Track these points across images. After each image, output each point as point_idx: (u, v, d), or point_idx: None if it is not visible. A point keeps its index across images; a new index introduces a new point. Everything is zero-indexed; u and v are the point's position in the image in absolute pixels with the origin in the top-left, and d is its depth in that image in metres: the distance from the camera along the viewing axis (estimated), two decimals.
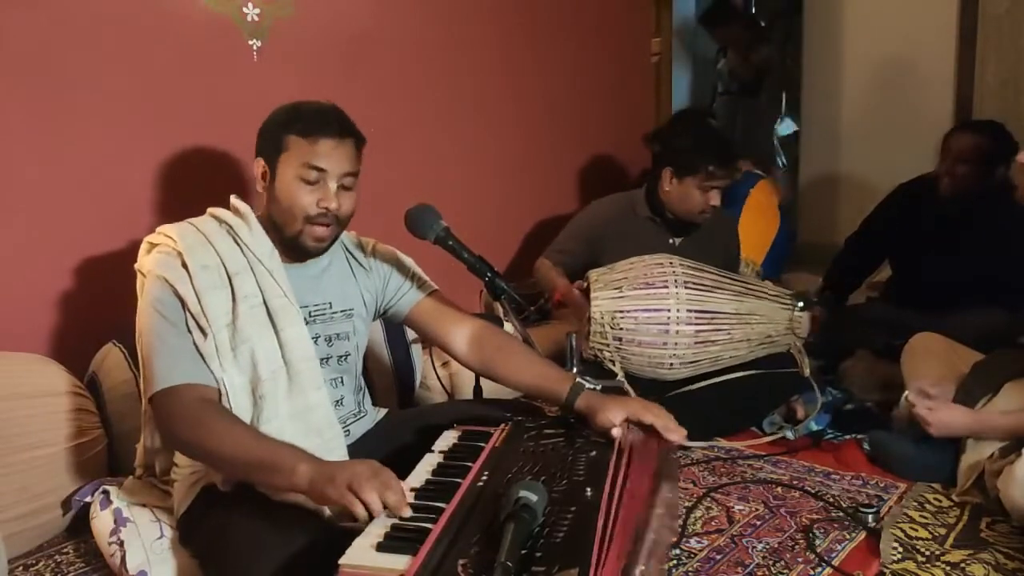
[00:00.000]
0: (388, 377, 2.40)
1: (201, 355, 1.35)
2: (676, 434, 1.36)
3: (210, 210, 1.52)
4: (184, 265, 1.38)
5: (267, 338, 1.40)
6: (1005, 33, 3.44)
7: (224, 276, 1.41)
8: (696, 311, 2.19)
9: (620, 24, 3.53)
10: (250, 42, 2.30)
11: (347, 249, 1.62)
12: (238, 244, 1.45)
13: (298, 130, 1.42)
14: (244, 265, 1.43)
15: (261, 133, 1.49)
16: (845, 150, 4.03)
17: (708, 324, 2.21)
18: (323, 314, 1.53)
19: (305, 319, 1.47)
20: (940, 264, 2.62)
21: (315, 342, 1.48)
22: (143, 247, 1.49)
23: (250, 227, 1.46)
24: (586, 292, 2.28)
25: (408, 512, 1.09)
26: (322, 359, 1.51)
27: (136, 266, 1.47)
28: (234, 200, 1.51)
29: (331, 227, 1.46)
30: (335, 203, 1.42)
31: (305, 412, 1.41)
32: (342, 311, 1.56)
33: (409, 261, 1.69)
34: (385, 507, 1.09)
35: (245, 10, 2.28)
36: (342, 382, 1.57)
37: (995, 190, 2.48)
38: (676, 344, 2.20)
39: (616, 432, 1.32)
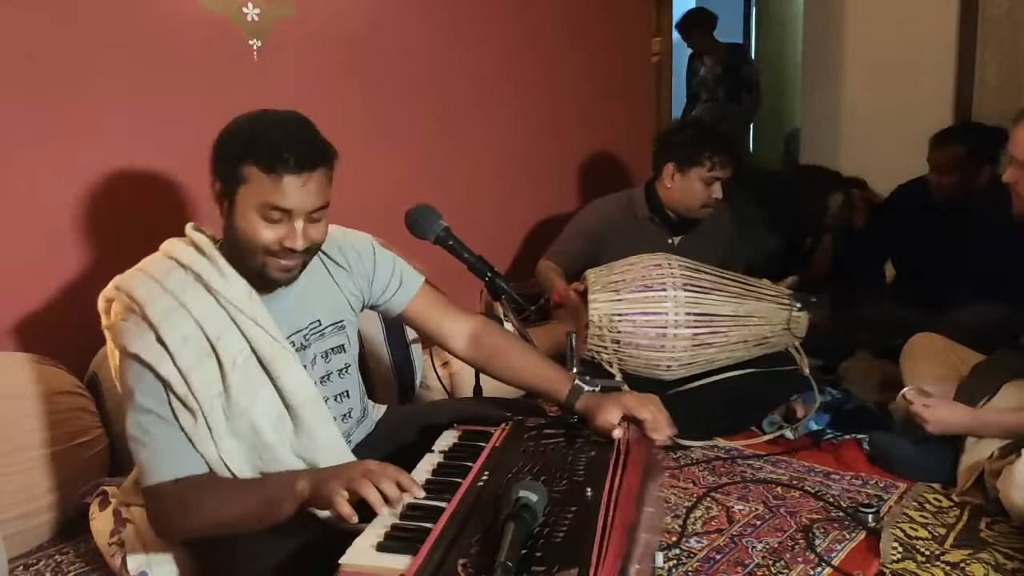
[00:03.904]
0: (388, 376, 2.39)
1: (189, 439, 1.25)
2: (660, 434, 1.36)
3: (168, 251, 1.34)
4: (160, 340, 1.24)
5: (265, 393, 1.31)
6: (1005, 33, 3.44)
7: (206, 344, 1.27)
8: (694, 314, 2.19)
9: (620, 24, 3.53)
10: (250, 42, 2.30)
11: (323, 252, 1.47)
12: (211, 293, 1.29)
13: (258, 162, 1.23)
14: (225, 322, 1.29)
15: (217, 150, 1.30)
16: (845, 150, 4.03)
17: (706, 327, 2.20)
18: (315, 332, 1.45)
19: (301, 343, 1.41)
20: (939, 263, 2.63)
21: (313, 361, 1.44)
22: (101, 301, 1.35)
23: (221, 271, 1.31)
24: (583, 294, 2.28)
25: (421, 493, 1.11)
26: (322, 377, 1.46)
27: (104, 325, 1.35)
28: (190, 232, 1.36)
29: (298, 258, 1.31)
30: (301, 241, 1.27)
31: (314, 454, 1.35)
32: (333, 324, 1.49)
33: (392, 255, 1.60)
34: (401, 490, 1.10)
35: (245, 10, 2.27)
36: (347, 395, 1.53)
37: (988, 188, 2.50)
38: (674, 347, 2.20)
39: (617, 433, 1.32)
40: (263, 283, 1.34)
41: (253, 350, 1.31)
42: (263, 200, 1.24)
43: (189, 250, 1.33)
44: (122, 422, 1.89)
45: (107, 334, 1.35)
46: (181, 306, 1.27)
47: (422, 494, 1.11)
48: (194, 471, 1.24)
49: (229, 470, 1.27)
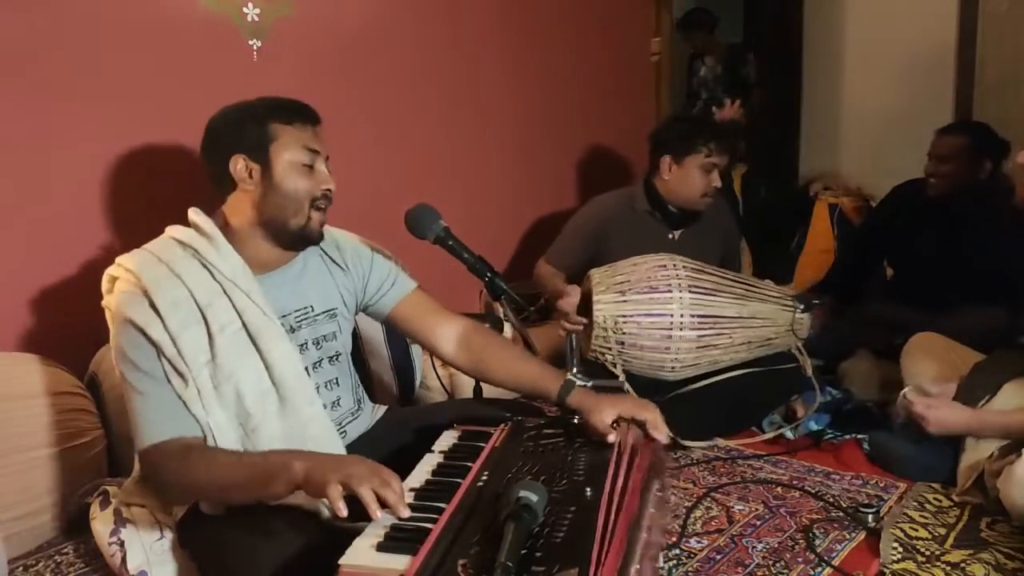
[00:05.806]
0: (388, 376, 2.40)
1: (183, 401, 1.29)
2: (660, 433, 1.36)
3: (170, 232, 1.42)
4: (152, 305, 1.30)
5: (251, 364, 1.34)
6: (1005, 33, 3.44)
7: (196, 310, 1.32)
8: (699, 316, 2.19)
9: (620, 24, 3.53)
10: (250, 42, 2.30)
11: (322, 249, 1.55)
12: (206, 268, 1.36)
13: (279, 119, 1.39)
14: (216, 291, 1.35)
15: (224, 132, 1.40)
16: (845, 150, 4.03)
17: (710, 329, 2.21)
18: (307, 317, 1.48)
19: (291, 326, 1.43)
20: (937, 263, 2.63)
21: (303, 347, 1.45)
22: (104, 281, 1.41)
23: (216, 247, 1.38)
24: (587, 298, 2.28)
25: (406, 513, 1.08)
26: (314, 363, 1.47)
27: (103, 303, 1.40)
28: (193, 215, 1.42)
29: (326, 211, 1.45)
30: (332, 182, 1.43)
31: (301, 429, 1.37)
32: (325, 312, 1.52)
33: (389, 257, 1.64)
34: (383, 506, 1.07)
35: (245, 10, 2.28)
36: (337, 383, 1.54)
37: (984, 187, 2.51)
38: (678, 349, 2.20)
39: (612, 437, 1.32)
40: (294, 243, 1.44)
41: (244, 323, 1.35)
42: (301, 144, 1.39)
43: (188, 230, 1.41)
44: (122, 422, 1.93)
45: (107, 312, 1.39)
46: (174, 275, 1.34)
47: (407, 514, 1.08)
48: (190, 432, 1.28)
49: (213, 438, 1.30)
